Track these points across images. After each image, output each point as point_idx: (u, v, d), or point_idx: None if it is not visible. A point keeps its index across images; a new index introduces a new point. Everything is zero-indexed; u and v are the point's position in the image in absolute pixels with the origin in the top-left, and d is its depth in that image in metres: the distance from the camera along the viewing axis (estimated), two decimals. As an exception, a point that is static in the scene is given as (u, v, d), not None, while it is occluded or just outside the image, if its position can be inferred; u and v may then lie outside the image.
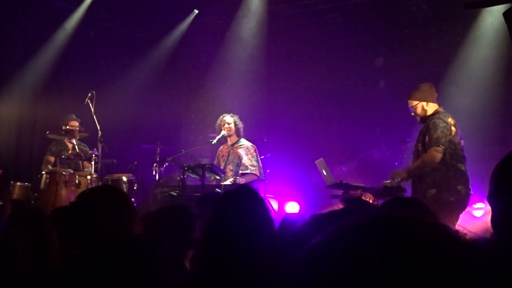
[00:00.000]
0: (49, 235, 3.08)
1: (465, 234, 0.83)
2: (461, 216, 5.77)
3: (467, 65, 8.93)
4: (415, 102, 6.04)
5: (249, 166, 7.92)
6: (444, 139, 5.71)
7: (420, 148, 5.92)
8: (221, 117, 8.18)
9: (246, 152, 8.03)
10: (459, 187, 5.62)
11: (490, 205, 1.45)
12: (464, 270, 0.72)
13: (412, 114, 6.11)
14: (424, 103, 5.98)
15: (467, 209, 6.11)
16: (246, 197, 2.42)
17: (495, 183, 1.40)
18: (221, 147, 8.34)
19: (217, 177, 7.79)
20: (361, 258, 0.72)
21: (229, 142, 8.19)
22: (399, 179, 5.96)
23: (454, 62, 9.07)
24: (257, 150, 8.16)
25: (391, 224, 0.77)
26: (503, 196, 1.37)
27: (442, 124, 5.76)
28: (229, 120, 8.08)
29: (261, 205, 2.41)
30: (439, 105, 6.09)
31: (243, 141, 8.18)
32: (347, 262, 0.73)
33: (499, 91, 8.65)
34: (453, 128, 5.81)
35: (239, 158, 8.00)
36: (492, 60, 8.70)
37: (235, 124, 8.09)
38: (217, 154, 8.36)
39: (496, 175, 1.41)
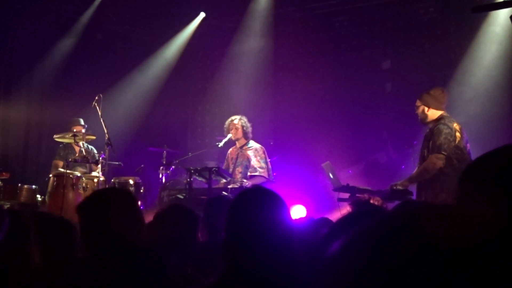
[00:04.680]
0: (28, 238, 3.05)
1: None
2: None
3: (474, 68, 8.91)
4: (419, 103, 6.07)
5: (258, 168, 7.92)
6: (446, 145, 5.71)
7: (425, 154, 5.93)
8: (229, 120, 8.18)
9: (255, 154, 8.03)
10: None
11: None
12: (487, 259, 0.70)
13: (416, 112, 6.16)
14: (425, 108, 5.99)
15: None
16: (265, 197, 2.39)
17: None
18: (230, 149, 8.34)
19: (224, 180, 7.79)
20: (383, 262, 0.71)
21: (238, 145, 8.20)
22: (400, 188, 5.97)
23: (461, 65, 9.05)
24: (266, 152, 8.16)
25: (408, 221, 0.76)
26: None
27: (446, 130, 5.76)
28: (236, 123, 8.08)
29: (278, 205, 2.38)
30: (445, 109, 6.09)
31: (252, 143, 8.19)
32: (370, 268, 0.72)
33: (506, 94, 8.62)
34: (458, 134, 5.80)
35: (248, 160, 8.00)
36: (499, 63, 8.68)
37: (242, 127, 8.08)
38: (226, 157, 8.37)
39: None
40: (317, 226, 3.37)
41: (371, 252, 0.73)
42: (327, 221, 3.55)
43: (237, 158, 8.14)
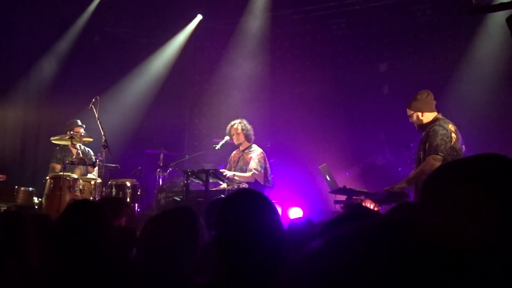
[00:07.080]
0: (27, 239, 3.04)
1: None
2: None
3: (471, 70, 8.92)
4: (411, 112, 6.06)
5: (253, 170, 7.92)
6: (443, 146, 5.70)
7: (421, 156, 5.92)
8: (229, 125, 8.16)
9: (254, 157, 8.04)
10: None
11: None
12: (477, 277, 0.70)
13: (410, 121, 6.14)
14: (419, 113, 5.99)
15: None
16: (252, 199, 2.40)
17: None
18: (233, 152, 8.35)
19: (221, 183, 7.79)
20: (366, 264, 0.71)
21: (241, 148, 8.19)
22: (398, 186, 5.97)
23: (458, 67, 9.07)
24: (266, 158, 8.13)
25: (399, 228, 0.76)
26: None
27: (442, 132, 5.75)
28: (236, 127, 8.07)
29: (268, 207, 2.39)
30: (440, 111, 6.09)
31: (254, 147, 8.18)
32: (352, 266, 0.72)
33: (503, 96, 8.64)
34: (453, 135, 5.79)
35: (248, 163, 8.00)
36: (496, 65, 8.70)
37: (243, 130, 8.08)
38: (229, 160, 8.36)
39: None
40: (306, 226, 3.36)
41: (355, 251, 0.73)
42: (311, 222, 3.54)
43: (238, 161, 8.14)
